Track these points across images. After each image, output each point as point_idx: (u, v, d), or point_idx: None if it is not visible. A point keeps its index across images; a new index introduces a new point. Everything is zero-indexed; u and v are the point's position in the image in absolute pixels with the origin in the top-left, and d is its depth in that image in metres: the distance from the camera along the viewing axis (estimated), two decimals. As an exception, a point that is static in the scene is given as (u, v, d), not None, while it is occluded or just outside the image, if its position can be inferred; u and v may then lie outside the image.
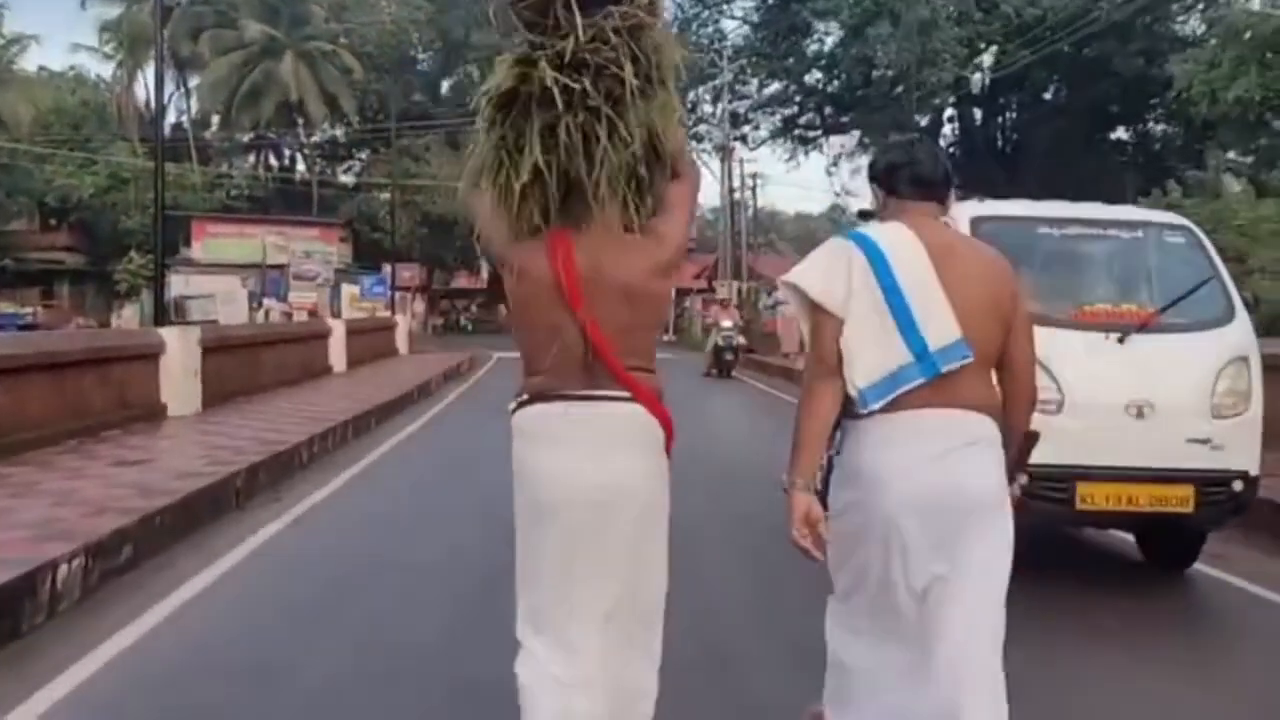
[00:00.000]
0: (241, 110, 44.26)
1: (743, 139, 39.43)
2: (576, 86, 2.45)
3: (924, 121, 33.07)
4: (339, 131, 49.76)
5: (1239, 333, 5.45)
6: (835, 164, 41.07)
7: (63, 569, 4.94)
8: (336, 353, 19.33)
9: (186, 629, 4.76)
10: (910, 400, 2.56)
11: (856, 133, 37.81)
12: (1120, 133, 37.24)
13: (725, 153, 36.92)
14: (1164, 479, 5.17)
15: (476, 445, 11.25)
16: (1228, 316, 5.48)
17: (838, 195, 53.61)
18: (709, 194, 50.76)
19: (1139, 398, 5.10)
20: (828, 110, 38.54)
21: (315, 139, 49.62)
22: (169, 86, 41.81)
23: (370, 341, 23.20)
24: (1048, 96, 36.01)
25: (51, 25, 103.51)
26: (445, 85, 51.22)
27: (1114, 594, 5.59)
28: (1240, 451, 5.21)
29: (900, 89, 32.55)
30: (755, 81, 38.41)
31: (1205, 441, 5.12)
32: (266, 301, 38.52)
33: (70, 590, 4.98)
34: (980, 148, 36.04)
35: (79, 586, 5.06)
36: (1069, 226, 5.73)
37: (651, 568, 2.64)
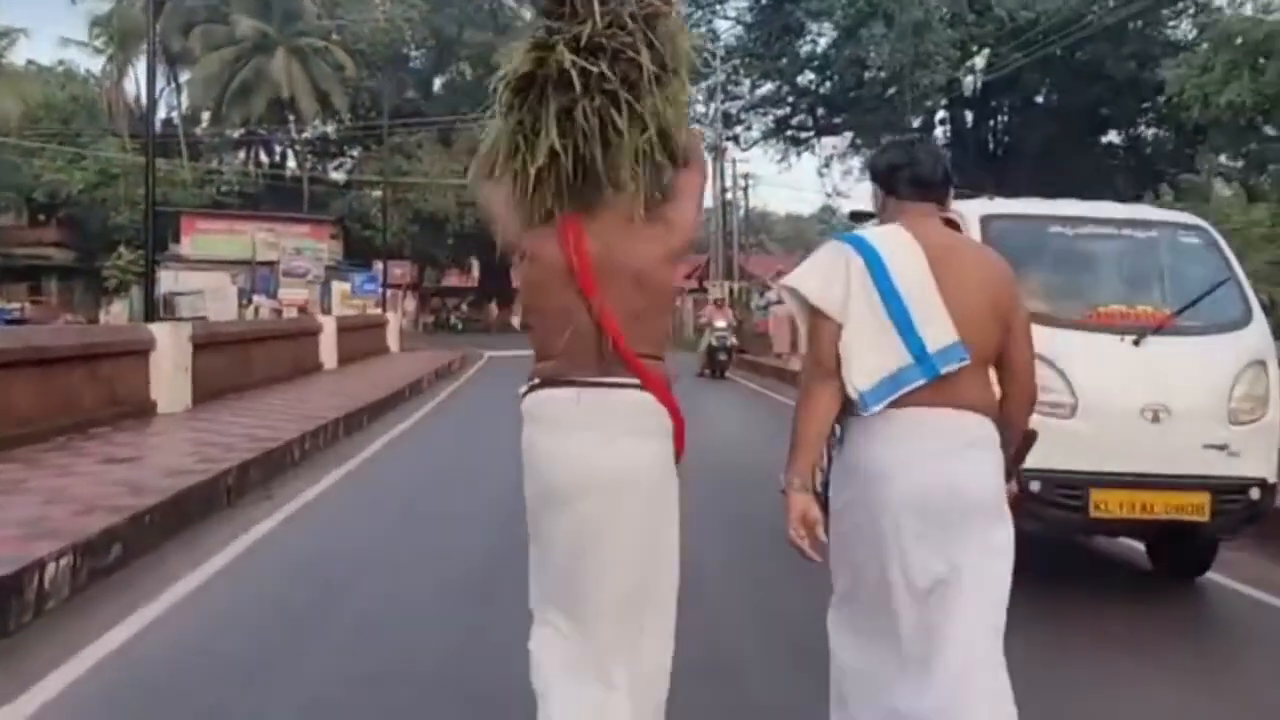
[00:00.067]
0: (232, 106, 44.15)
1: (735, 139, 39.58)
2: (594, 70, 2.45)
3: (916, 123, 33.15)
4: (330, 128, 49.64)
5: (1256, 336, 5.32)
6: (827, 165, 41.33)
7: (51, 568, 4.88)
8: (327, 350, 19.33)
9: (177, 628, 4.71)
10: (911, 399, 2.57)
11: (849, 134, 38.02)
12: (1112, 136, 37.49)
13: (717, 153, 36.92)
14: (1180, 486, 4.99)
15: (470, 442, 11.28)
16: (1245, 319, 5.35)
17: (829, 196, 53.94)
18: (702, 194, 50.75)
19: (1155, 402, 4.94)
20: (820, 111, 38.73)
21: (306, 135, 49.40)
22: (160, 82, 41.56)
23: (361, 339, 23.23)
24: (1040, 99, 36.20)
25: (41, 19, 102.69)
26: (438, 83, 51.21)
27: (1122, 599, 5.54)
28: (1257, 458, 5.07)
29: (893, 90, 32.66)
30: (748, 82, 38.58)
31: (1222, 447, 4.97)
32: (256, 298, 38.36)
33: (59, 589, 4.92)
34: (971, 150, 36.11)
35: (68, 585, 5.00)
36: (1082, 226, 5.60)
37: (663, 553, 2.63)
